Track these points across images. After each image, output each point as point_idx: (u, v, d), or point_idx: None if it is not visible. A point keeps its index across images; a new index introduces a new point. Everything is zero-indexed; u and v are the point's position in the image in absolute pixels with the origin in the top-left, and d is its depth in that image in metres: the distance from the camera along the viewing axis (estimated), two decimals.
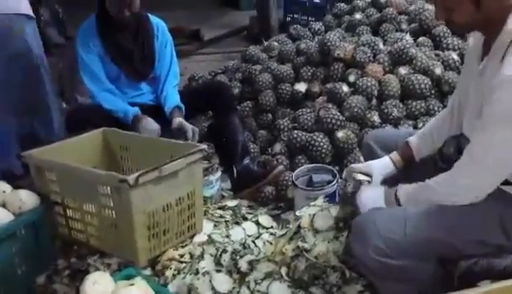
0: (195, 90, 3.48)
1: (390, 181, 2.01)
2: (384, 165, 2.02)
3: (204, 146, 2.31)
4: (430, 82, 3.04)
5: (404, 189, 1.82)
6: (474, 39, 1.82)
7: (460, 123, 1.91)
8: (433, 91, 3.07)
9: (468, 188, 1.67)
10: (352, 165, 2.06)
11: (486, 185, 1.64)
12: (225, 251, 2.14)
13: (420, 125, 2.93)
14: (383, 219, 1.75)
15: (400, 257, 1.71)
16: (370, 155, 2.16)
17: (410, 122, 2.99)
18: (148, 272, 2.18)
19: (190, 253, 2.25)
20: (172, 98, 2.87)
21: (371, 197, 1.88)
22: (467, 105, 1.84)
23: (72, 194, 2.26)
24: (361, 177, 1.99)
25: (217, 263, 2.10)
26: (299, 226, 2.13)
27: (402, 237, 1.70)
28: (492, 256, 1.75)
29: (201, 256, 2.13)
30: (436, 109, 3.00)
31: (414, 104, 3.02)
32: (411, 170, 2.01)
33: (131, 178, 1.99)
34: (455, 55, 3.15)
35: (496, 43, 1.63)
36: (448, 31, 3.32)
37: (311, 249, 2.04)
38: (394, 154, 2.04)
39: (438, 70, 3.07)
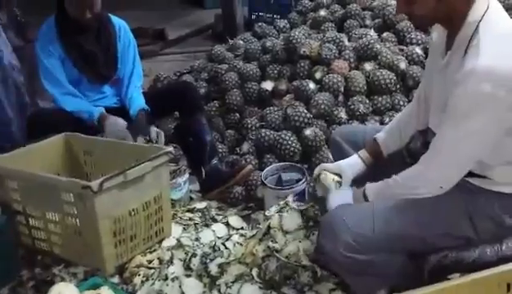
0: (160, 91, 3.41)
1: (360, 181, 2.00)
2: (353, 163, 2.01)
3: (170, 149, 2.27)
4: (395, 77, 3.05)
5: (372, 188, 1.83)
6: (437, 33, 1.83)
7: (427, 117, 1.91)
8: (398, 86, 3.08)
9: (433, 180, 1.68)
10: (323, 164, 2.05)
11: (451, 177, 1.66)
12: (194, 255, 2.10)
13: (387, 120, 2.94)
14: (351, 215, 1.75)
15: (369, 252, 1.72)
16: (338, 151, 2.16)
17: (377, 118, 3.00)
18: (116, 280, 2.13)
19: (158, 258, 2.20)
20: (137, 101, 2.82)
21: (340, 200, 1.88)
22: (432, 99, 1.85)
23: (34, 203, 2.20)
24: (330, 178, 1.97)
25: (187, 267, 2.06)
26: (269, 226, 2.11)
27: (371, 232, 1.71)
28: (461, 249, 1.76)
29: (170, 261, 2.09)
30: (401, 103, 3.01)
31: (380, 99, 3.03)
32: (381, 167, 2.01)
33: (94, 184, 1.94)
34: (419, 50, 3.17)
35: (459, 37, 1.63)
36: (412, 26, 3.33)
37: (281, 249, 2.02)
38: (363, 152, 2.03)
39: (403, 65, 3.08)
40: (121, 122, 2.68)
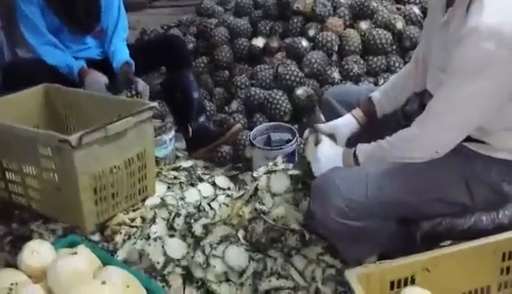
0: (147, 44, 3.24)
1: (353, 142, 1.92)
2: (347, 123, 1.92)
3: (154, 104, 2.16)
4: (391, 37, 2.94)
5: (363, 148, 1.73)
6: None
7: (424, 79, 1.83)
8: (394, 47, 2.97)
9: (428, 144, 1.59)
10: (316, 125, 1.96)
11: (447, 142, 1.57)
12: (178, 214, 2.01)
13: (381, 82, 2.85)
14: (344, 179, 1.67)
15: (361, 218, 1.65)
16: (331, 112, 2.07)
17: (371, 79, 2.90)
18: (96, 237, 2.05)
19: (141, 217, 2.12)
20: (121, 53, 2.68)
21: (328, 157, 1.78)
22: (430, 60, 1.76)
23: (10, 155, 2.09)
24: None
25: (170, 227, 1.98)
26: (257, 188, 2.03)
27: (364, 198, 1.64)
28: (456, 215, 1.70)
29: (153, 221, 2.00)
30: (397, 65, 2.92)
31: (374, 60, 2.92)
32: (374, 129, 1.92)
33: (73, 138, 1.84)
34: (416, 9, 3.05)
35: None
36: None
37: (269, 211, 1.95)
38: (357, 111, 1.94)
39: (400, 25, 2.97)
40: (102, 79, 2.55)
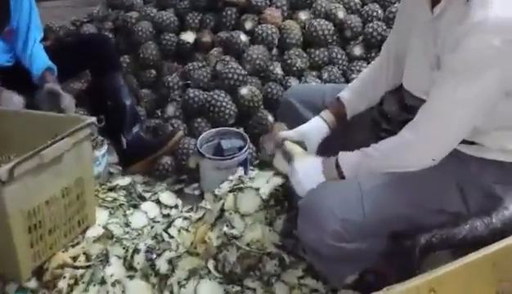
0: (68, 45, 2.73)
1: (325, 147, 1.73)
2: (317, 128, 1.73)
3: (92, 119, 1.83)
4: (333, 28, 2.77)
5: (347, 159, 1.55)
6: None
7: (397, 78, 1.69)
8: (334, 38, 2.80)
9: (425, 151, 1.45)
10: (283, 132, 1.74)
11: (445, 147, 1.44)
12: (137, 250, 1.71)
13: (325, 75, 2.68)
14: (337, 199, 1.48)
15: (357, 239, 1.48)
16: (292, 115, 1.87)
17: (315, 73, 2.72)
18: (33, 284, 1.72)
19: (85, 254, 1.81)
20: (40, 58, 2.28)
21: (307, 173, 1.58)
22: (410, 57, 1.61)
23: None
24: (292, 148, 1.68)
25: (130, 267, 1.68)
26: (223, 209, 1.78)
27: (362, 217, 1.47)
28: (451, 225, 1.57)
29: (106, 261, 1.69)
30: (339, 57, 2.75)
31: (317, 52, 2.73)
32: (347, 132, 1.75)
33: (2, 171, 1.50)
34: None
35: None
36: None
37: (241, 235, 1.71)
38: (326, 113, 1.75)
39: (341, 14, 2.80)
40: (17, 99, 2.14)
